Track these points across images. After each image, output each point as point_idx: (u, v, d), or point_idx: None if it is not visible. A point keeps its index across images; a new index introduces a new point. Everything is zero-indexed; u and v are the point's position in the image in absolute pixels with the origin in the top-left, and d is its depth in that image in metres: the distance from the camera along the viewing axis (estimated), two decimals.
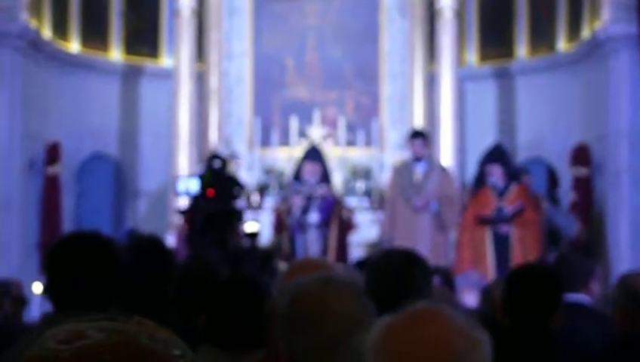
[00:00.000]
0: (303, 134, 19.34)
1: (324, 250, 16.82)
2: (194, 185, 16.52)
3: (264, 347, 4.72)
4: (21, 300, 12.11)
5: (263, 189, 19.16)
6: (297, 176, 17.52)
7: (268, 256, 15.98)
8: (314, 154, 17.56)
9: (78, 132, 19.97)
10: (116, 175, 20.73)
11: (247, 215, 17.75)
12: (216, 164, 16.63)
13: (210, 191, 16.13)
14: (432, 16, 19.82)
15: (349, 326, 3.57)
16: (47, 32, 19.49)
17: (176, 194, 17.89)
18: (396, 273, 5.83)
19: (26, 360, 1.80)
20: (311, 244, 16.89)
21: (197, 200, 16.48)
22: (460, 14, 20.21)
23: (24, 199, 18.74)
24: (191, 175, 17.78)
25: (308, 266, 5.37)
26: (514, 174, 17.33)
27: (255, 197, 18.91)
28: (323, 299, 3.80)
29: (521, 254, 16.23)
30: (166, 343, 1.84)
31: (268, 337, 4.40)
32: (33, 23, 18.86)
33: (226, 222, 16.23)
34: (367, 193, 19.18)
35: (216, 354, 5.33)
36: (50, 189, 19.18)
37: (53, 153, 19.05)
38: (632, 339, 6.64)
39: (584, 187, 18.56)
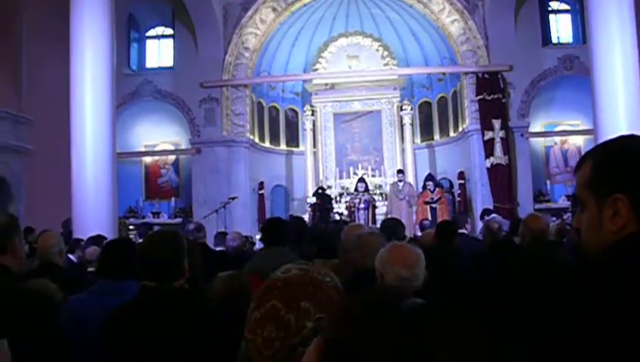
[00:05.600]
0: (355, 173, 20.24)
1: (367, 219, 18.25)
2: (313, 199, 18.21)
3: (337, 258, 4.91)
4: (252, 243, 13.34)
5: (340, 195, 20.11)
6: (356, 188, 19.03)
7: (345, 222, 16.18)
8: (362, 179, 19.13)
9: (271, 176, 20.96)
10: (285, 193, 21.52)
11: (336, 207, 19.07)
12: (320, 190, 18.27)
13: (319, 201, 17.80)
14: (401, 125, 20.63)
15: (374, 248, 3.80)
16: (256, 139, 20.68)
17: (307, 201, 19.41)
18: (391, 226, 6.55)
19: (270, 280, 1.79)
20: (361, 217, 18.37)
21: (314, 204, 18.06)
22: (413, 123, 20.99)
23: (251, 203, 19.88)
24: (312, 194, 18.84)
25: (356, 226, 5.84)
26: (437, 184, 19.16)
27: (337, 201, 19.96)
28: (366, 238, 4.36)
29: (441, 216, 17.69)
30: (324, 275, 1.79)
31: (342, 254, 4.81)
32: (251, 136, 20.21)
33: (326, 211, 17.66)
34: (381, 194, 19.99)
35: (322, 262, 4.92)
36: (261, 200, 20.26)
37: (261, 185, 20.25)
38: (491, 248, 6.83)
39: (463, 188, 19.72)
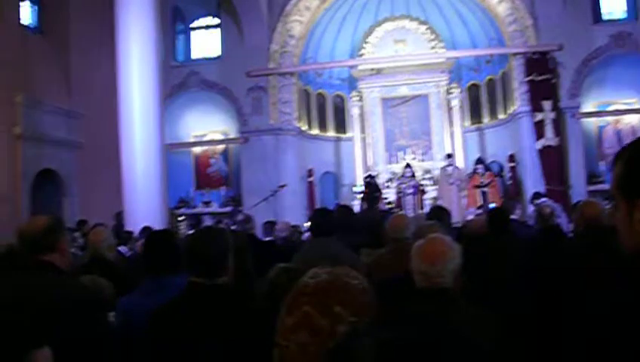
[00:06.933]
0: (404, 158, 20.22)
1: (414, 205, 18.46)
2: (361, 187, 18.44)
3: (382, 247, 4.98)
4: (300, 232, 12.73)
5: (389, 181, 19.92)
6: (403, 174, 19.10)
7: (392, 209, 17.18)
8: (408, 165, 19.15)
9: (319, 163, 20.89)
10: (334, 180, 21.42)
11: (385, 193, 19.01)
12: (368, 178, 18.31)
13: (366, 190, 17.87)
14: (450, 108, 20.41)
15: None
16: (304, 126, 20.74)
17: (354, 190, 19.70)
18: (437, 214, 6.53)
19: (299, 286, 1.77)
20: (409, 202, 18.60)
21: (362, 192, 18.15)
22: (461, 106, 20.72)
23: (300, 191, 19.86)
24: (360, 183, 19.20)
25: (400, 216, 5.78)
26: (487, 167, 19.01)
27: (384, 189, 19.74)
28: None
29: (492, 200, 17.76)
30: (352, 277, 1.77)
31: (388, 244, 4.84)
32: (299, 124, 20.31)
33: (373, 200, 17.54)
34: (431, 178, 19.86)
35: (369, 252, 5.67)
36: (310, 187, 20.09)
37: (310, 172, 20.25)
38: (541, 233, 6.67)
39: (513, 171, 19.42)
